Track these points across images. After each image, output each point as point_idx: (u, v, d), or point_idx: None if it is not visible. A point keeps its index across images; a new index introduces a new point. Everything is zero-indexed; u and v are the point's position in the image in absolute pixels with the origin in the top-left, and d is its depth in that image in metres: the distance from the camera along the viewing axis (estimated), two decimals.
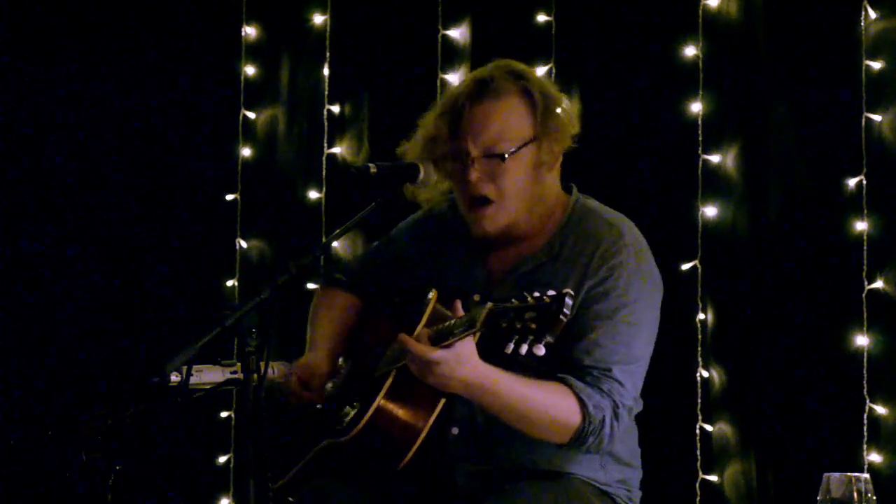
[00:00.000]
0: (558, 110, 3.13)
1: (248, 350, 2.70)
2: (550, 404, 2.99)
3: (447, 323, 2.93)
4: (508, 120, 3.10)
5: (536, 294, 2.73)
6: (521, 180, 3.10)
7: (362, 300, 3.42)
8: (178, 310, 5.27)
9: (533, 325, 2.70)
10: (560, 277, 3.08)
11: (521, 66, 3.18)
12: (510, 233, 3.14)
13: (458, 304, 2.98)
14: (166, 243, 5.36)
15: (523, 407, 2.98)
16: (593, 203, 3.23)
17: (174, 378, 2.89)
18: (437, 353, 2.87)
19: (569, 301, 2.69)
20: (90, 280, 5.39)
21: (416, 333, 2.95)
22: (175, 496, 5.28)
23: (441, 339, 2.89)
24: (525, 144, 3.09)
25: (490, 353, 2.92)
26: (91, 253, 5.40)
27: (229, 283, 5.28)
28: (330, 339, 3.36)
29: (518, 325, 2.72)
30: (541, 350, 2.72)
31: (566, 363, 3.03)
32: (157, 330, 5.27)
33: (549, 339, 2.71)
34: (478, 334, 2.87)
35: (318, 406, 3.26)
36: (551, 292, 2.72)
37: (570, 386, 3.00)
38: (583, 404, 2.99)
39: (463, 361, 2.89)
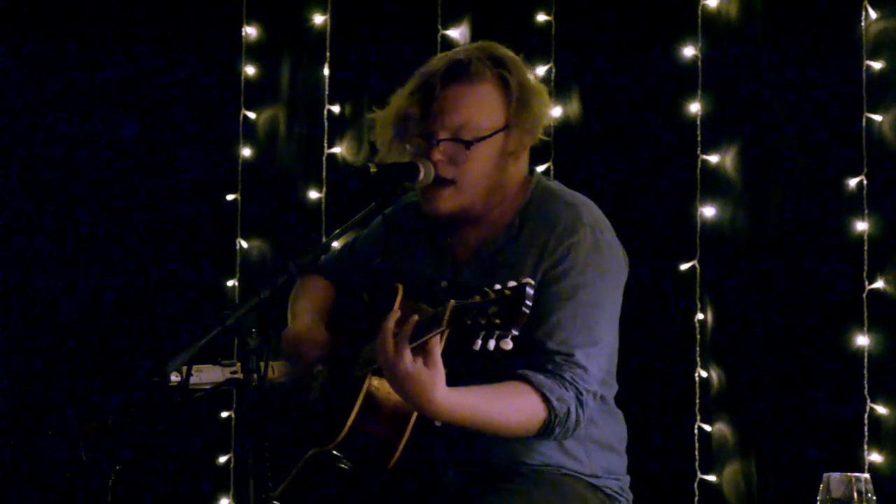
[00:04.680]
0: (537, 101, 3.11)
1: (248, 350, 2.70)
2: (515, 410, 2.97)
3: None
4: (479, 106, 3.08)
5: (497, 287, 2.71)
6: (484, 168, 3.08)
7: (338, 289, 3.42)
8: (178, 310, 5.27)
9: (497, 320, 2.69)
10: (520, 258, 3.06)
11: (501, 52, 3.14)
12: (467, 215, 3.12)
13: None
14: (167, 243, 5.36)
15: (484, 426, 2.96)
16: (554, 185, 3.20)
17: (174, 378, 2.89)
18: (404, 365, 2.82)
19: (529, 291, 2.67)
20: (90, 280, 5.39)
21: (413, 319, 2.94)
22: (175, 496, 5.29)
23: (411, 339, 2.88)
24: (493, 133, 3.08)
25: (458, 351, 2.92)
26: (91, 253, 5.40)
27: (229, 283, 5.28)
28: (313, 311, 3.34)
29: (482, 321, 2.70)
30: (508, 344, 2.71)
31: (529, 346, 3.00)
32: (157, 330, 5.27)
33: (514, 332, 2.70)
34: (445, 333, 2.86)
35: (308, 395, 3.27)
36: (511, 283, 2.71)
37: (531, 383, 2.97)
38: (546, 400, 2.97)
39: (423, 383, 2.83)
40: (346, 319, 3.30)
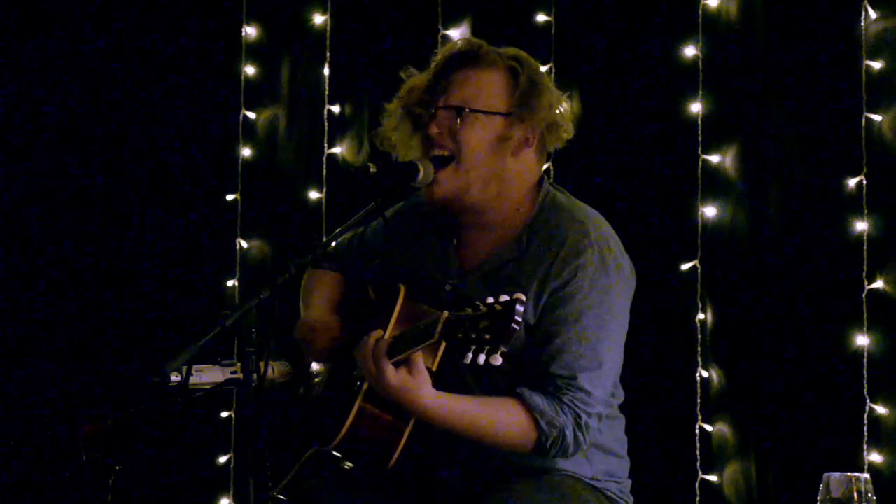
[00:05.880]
0: (547, 102, 3.12)
1: (248, 350, 2.70)
2: (501, 426, 3.00)
3: (407, 331, 2.94)
4: (483, 87, 3.11)
5: (490, 300, 2.74)
6: (479, 144, 3.09)
7: (347, 282, 3.43)
8: (178, 310, 5.27)
9: (487, 336, 2.72)
10: (525, 277, 3.07)
11: (523, 54, 3.18)
12: (463, 203, 3.12)
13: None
14: (167, 243, 5.36)
15: (473, 433, 3.00)
16: (562, 197, 3.20)
17: (174, 378, 2.89)
18: (387, 379, 2.89)
19: (519, 308, 2.69)
20: (90, 280, 5.39)
21: (387, 334, 2.97)
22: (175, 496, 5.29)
23: (400, 346, 2.91)
24: (492, 113, 3.09)
25: (451, 362, 2.94)
26: (91, 253, 5.40)
27: (229, 283, 5.28)
28: (326, 301, 3.36)
29: (473, 335, 2.73)
30: (497, 360, 2.74)
31: (533, 368, 3.03)
32: (158, 330, 5.27)
33: (503, 347, 2.72)
34: (443, 345, 2.88)
35: (313, 393, 3.27)
36: (504, 298, 2.72)
37: (524, 402, 3.00)
38: (535, 422, 2.99)
39: (409, 390, 2.91)
40: (352, 314, 3.31)
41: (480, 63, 3.13)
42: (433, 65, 3.21)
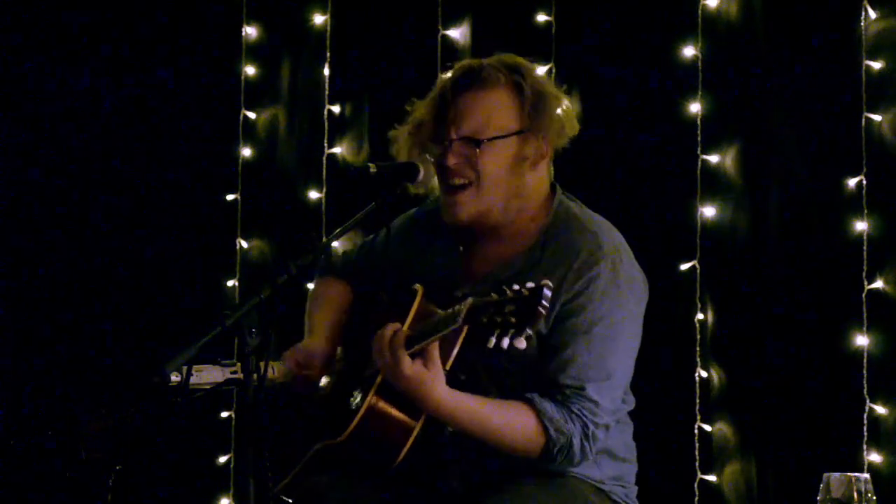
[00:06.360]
0: (554, 109, 3.12)
1: (248, 350, 2.70)
2: (511, 428, 3.00)
3: (428, 320, 2.95)
4: (492, 110, 3.09)
5: (516, 287, 2.74)
6: (498, 168, 3.08)
7: (356, 290, 3.43)
8: (178, 310, 5.27)
9: (513, 319, 2.72)
10: None
11: (518, 60, 3.16)
12: (485, 223, 3.12)
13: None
14: (166, 243, 5.36)
15: (482, 433, 3.00)
16: (575, 207, 3.19)
17: (174, 378, 2.89)
18: (403, 370, 2.89)
19: (546, 292, 2.69)
20: (90, 280, 5.39)
21: (403, 328, 2.97)
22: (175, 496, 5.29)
23: (419, 338, 2.91)
24: (507, 136, 3.08)
25: (473, 348, 2.94)
26: (91, 253, 5.40)
27: (229, 283, 5.28)
28: (328, 325, 3.35)
29: (498, 319, 2.73)
30: (522, 343, 2.73)
31: (542, 377, 3.03)
32: (158, 330, 5.27)
33: (528, 331, 2.72)
34: (465, 330, 2.88)
35: (318, 392, 3.27)
36: (530, 284, 2.72)
37: (534, 408, 3.00)
38: (545, 428, 3.00)
39: (424, 382, 2.90)
40: (363, 317, 3.31)
41: (484, 84, 3.10)
42: (436, 95, 3.16)
